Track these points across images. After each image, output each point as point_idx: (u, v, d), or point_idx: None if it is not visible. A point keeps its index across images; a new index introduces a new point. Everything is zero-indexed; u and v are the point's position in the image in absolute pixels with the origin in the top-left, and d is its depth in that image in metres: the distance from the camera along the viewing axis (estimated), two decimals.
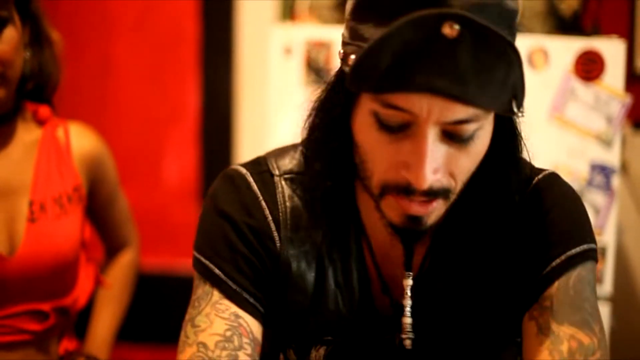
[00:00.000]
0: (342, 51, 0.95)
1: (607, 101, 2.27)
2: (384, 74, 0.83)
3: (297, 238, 1.06)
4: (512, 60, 0.83)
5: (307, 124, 1.05)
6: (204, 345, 0.98)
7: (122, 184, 1.68)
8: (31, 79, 1.45)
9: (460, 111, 0.87)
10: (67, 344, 1.54)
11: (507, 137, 1.00)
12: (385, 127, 0.90)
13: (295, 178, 1.08)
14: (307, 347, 1.08)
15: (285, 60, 2.33)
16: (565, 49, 2.27)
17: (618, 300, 2.41)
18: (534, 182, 1.08)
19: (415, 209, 0.93)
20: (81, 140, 1.54)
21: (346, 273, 1.07)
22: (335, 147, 1.01)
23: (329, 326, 1.06)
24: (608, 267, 2.28)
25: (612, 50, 2.26)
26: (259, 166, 1.10)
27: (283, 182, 1.08)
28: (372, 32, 0.87)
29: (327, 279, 1.06)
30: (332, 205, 1.05)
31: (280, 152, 1.12)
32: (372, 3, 0.88)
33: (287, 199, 1.07)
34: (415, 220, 0.95)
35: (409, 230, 0.97)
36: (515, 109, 0.87)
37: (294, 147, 1.12)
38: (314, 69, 2.31)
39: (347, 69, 0.92)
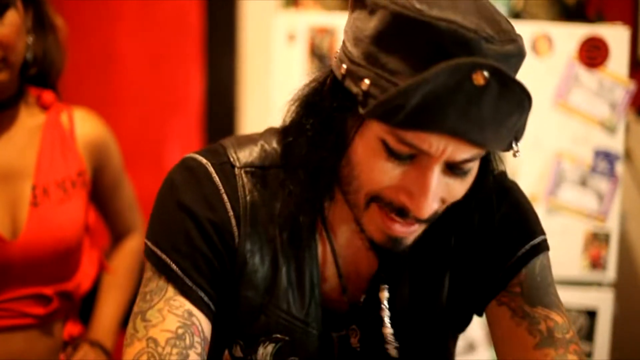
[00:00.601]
0: (347, 68, 0.93)
1: (611, 88, 2.27)
2: (410, 113, 0.84)
3: (255, 233, 1.04)
4: (526, 109, 0.87)
5: (291, 122, 1.03)
6: (154, 341, 0.95)
7: (125, 171, 1.68)
8: (34, 64, 1.45)
9: (470, 151, 0.89)
10: (71, 329, 1.55)
11: (489, 158, 1.03)
12: (392, 155, 0.91)
13: (255, 172, 1.06)
14: (255, 343, 1.06)
15: (289, 47, 2.32)
16: (569, 36, 2.27)
17: (621, 286, 2.42)
18: (495, 190, 1.10)
19: (399, 230, 0.95)
20: (85, 125, 1.54)
21: (299, 272, 1.05)
22: (321, 157, 0.98)
23: (279, 324, 1.05)
24: (611, 254, 2.28)
25: (616, 37, 2.26)
26: (219, 156, 1.06)
27: (244, 175, 1.05)
28: (403, 70, 0.86)
29: (279, 277, 1.05)
30: (298, 205, 1.03)
31: (239, 142, 1.09)
32: (405, 38, 0.87)
33: (247, 193, 1.04)
34: (397, 241, 0.96)
35: (387, 248, 0.98)
36: (514, 147, 0.91)
37: (253, 139, 1.10)
38: (317, 55, 2.31)
39: (356, 89, 0.91)
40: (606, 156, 2.28)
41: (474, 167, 0.95)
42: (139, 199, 1.76)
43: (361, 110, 0.89)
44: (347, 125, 0.96)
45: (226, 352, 1.10)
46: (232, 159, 1.06)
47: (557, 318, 1.01)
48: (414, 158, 0.91)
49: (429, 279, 1.09)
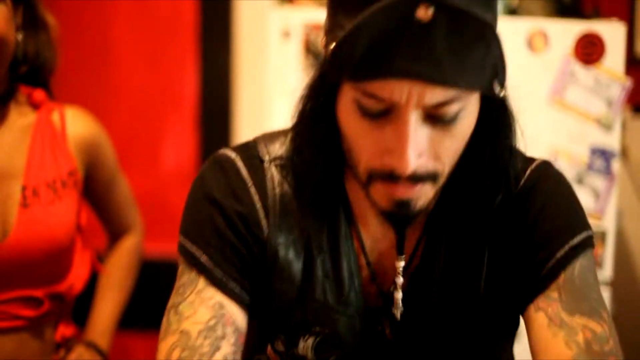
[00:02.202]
0: (323, 40, 0.94)
1: (608, 85, 2.26)
2: (359, 62, 0.83)
3: (285, 225, 1.05)
4: (490, 41, 0.83)
5: (296, 112, 1.03)
6: (187, 333, 0.97)
7: (121, 169, 1.67)
8: (25, 62, 1.44)
9: (440, 94, 0.86)
10: (64, 330, 1.54)
11: (498, 119, 0.99)
12: (367, 114, 0.90)
13: (285, 164, 1.07)
14: (295, 337, 1.07)
15: (283, 43, 2.31)
16: (565, 32, 2.26)
17: (618, 284, 2.41)
18: (528, 172, 1.07)
19: (402, 192, 0.92)
20: (77, 124, 1.53)
21: (335, 262, 1.05)
22: (322, 136, 1.00)
23: (317, 317, 1.05)
24: (608, 252, 2.28)
25: (613, 33, 2.25)
26: (249, 151, 1.08)
27: (273, 168, 1.06)
28: (348, 21, 0.85)
29: (315, 268, 1.05)
30: (322, 193, 1.04)
31: (271, 137, 1.11)
32: None
33: (276, 185, 1.05)
34: (403, 204, 0.94)
35: (399, 215, 0.96)
36: (497, 89, 0.87)
37: (284, 132, 1.10)
38: (312, 52, 2.30)
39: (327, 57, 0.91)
40: (602, 153, 2.27)
41: (461, 115, 0.91)
42: (134, 197, 1.75)
43: (327, 74, 0.90)
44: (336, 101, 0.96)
45: (269, 346, 1.10)
46: (261, 153, 1.08)
47: (597, 327, 0.96)
48: (388, 114, 0.89)
49: (465, 260, 1.06)
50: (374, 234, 1.07)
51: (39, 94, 1.48)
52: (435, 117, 0.89)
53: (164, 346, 0.98)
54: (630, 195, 2.73)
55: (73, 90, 2.17)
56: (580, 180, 2.27)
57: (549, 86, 2.26)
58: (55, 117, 1.50)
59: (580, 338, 0.95)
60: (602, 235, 2.26)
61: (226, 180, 1.05)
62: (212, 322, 0.98)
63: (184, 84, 2.81)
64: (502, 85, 0.88)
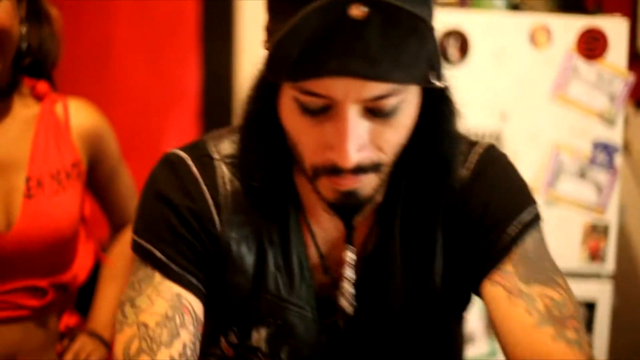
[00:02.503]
0: (264, 42, 0.95)
1: (610, 80, 2.26)
2: (296, 63, 0.84)
3: (237, 221, 1.06)
4: (424, 34, 0.85)
5: (242, 112, 1.05)
6: (145, 325, 0.97)
7: (124, 161, 1.67)
8: (28, 55, 1.44)
9: (376, 88, 0.88)
10: (67, 320, 1.54)
11: (438, 108, 1.00)
12: (307, 111, 0.92)
13: (234, 162, 1.08)
14: (248, 329, 1.08)
15: None
16: (568, 28, 2.26)
17: (620, 278, 2.42)
18: (473, 156, 1.09)
19: (346, 184, 0.94)
20: (80, 115, 1.53)
21: (286, 255, 1.07)
22: (267, 134, 1.02)
23: (270, 308, 1.06)
24: (610, 246, 2.28)
25: (615, 28, 2.25)
26: (199, 150, 1.09)
27: (223, 166, 1.07)
28: (283, 24, 0.86)
29: (267, 262, 1.06)
30: (271, 189, 1.06)
31: (219, 136, 1.12)
32: None
33: (227, 182, 1.06)
34: (349, 194, 0.95)
35: (345, 205, 0.98)
36: (434, 80, 0.88)
37: (232, 131, 1.12)
38: None
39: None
40: (605, 148, 2.28)
41: (401, 107, 0.92)
42: (137, 190, 1.75)
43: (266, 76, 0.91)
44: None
45: (222, 338, 1.11)
46: (211, 152, 1.08)
47: (554, 294, 0.99)
48: (327, 110, 0.90)
49: (418, 249, 1.08)
50: (325, 227, 1.09)
51: (42, 86, 1.48)
52: (374, 111, 0.91)
53: (121, 338, 0.98)
54: (633, 189, 2.74)
55: (76, 86, 2.17)
56: (582, 175, 2.27)
57: (552, 81, 2.26)
58: (59, 108, 1.50)
59: (540, 305, 0.98)
60: (605, 229, 2.26)
61: (177, 179, 1.06)
62: (170, 313, 0.98)
63: (185, 80, 2.81)
64: (439, 76, 0.89)
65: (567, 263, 2.24)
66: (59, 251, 1.44)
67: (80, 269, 1.53)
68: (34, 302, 1.42)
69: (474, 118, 2.24)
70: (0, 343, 1.40)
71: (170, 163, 1.08)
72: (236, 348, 1.10)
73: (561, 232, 2.27)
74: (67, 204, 1.44)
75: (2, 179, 1.40)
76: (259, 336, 1.08)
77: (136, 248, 1.05)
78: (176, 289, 1.01)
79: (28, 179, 1.40)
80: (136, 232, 1.07)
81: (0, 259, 1.36)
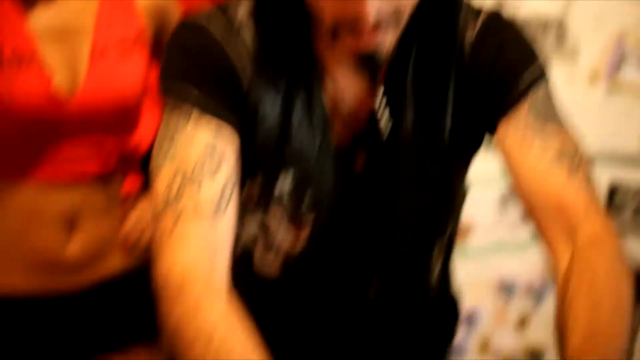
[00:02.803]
0: None
1: None
2: None
3: (262, 80, 1.08)
4: None
5: None
6: (185, 161, 1.01)
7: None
8: None
9: None
10: (130, 185, 1.58)
11: None
12: None
13: (254, 25, 1.09)
14: (274, 176, 1.11)
15: None
16: None
17: None
18: (479, 20, 1.12)
19: (368, 38, 0.96)
20: None
21: (309, 109, 1.09)
22: None
23: (293, 157, 1.10)
24: None
25: None
26: (218, 13, 1.10)
27: (243, 30, 1.08)
28: None
29: (291, 118, 1.09)
30: (292, 49, 1.08)
31: (236, 3, 1.12)
32: None
33: (249, 45, 1.08)
34: (371, 47, 0.99)
35: (369, 56, 1.05)
36: None
37: None
38: None
39: None
40: None
41: None
42: None
43: None
44: None
45: (249, 182, 1.13)
46: (231, 15, 1.09)
47: (568, 136, 1.06)
48: None
49: (430, 105, 1.12)
50: (343, 85, 1.12)
51: None
52: None
53: (162, 177, 1.02)
54: None
55: None
56: None
57: None
58: None
59: (556, 141, 1.05)
60: None
61: (202, 41, 1.07)
62: (209, 149, 1.02)
63: None
64: None
65: (628, 148, 2.23)
66: (123, 118, 1.47)
67: (144, 136, 1.55)
68: (96, 169, 1.46)
69: (537, 2, 2.19)
70: (61, 207, 1.44)
71: (191, 29, 1.09)
72: (259, 197, 1.14)
73: (623, 121, 2.24)
74: (131, 72, 1.45)
75: (68, 46, 1.41)
76: (283, 184, 1.11)
77: (169, 89, 1.07)
78: (215, 124, 1.04)
79: (93, 46, 1.42)
80: (168, 78, 1.08)
81: (64, 124, 1.39)
